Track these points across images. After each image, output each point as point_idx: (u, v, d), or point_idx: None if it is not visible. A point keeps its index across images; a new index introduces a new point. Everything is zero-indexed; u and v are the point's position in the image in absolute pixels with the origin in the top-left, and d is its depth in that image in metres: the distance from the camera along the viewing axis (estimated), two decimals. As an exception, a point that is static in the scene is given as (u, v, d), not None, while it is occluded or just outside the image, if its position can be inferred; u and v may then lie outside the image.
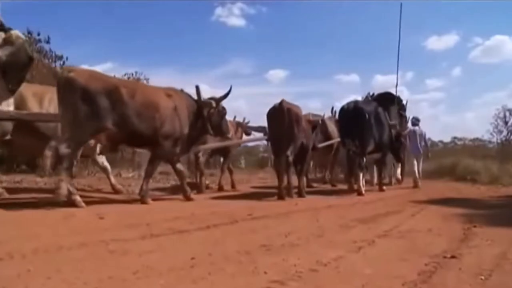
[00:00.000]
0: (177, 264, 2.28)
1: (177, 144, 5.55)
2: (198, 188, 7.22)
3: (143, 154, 8.62)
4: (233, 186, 8.35)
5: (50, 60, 11.80)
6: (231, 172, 8.60)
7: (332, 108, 9.97)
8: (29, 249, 2.49)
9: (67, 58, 11.77)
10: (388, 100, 8.44)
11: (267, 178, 12.09)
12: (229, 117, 7.33)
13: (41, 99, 5.42)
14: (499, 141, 25.36)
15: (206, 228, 3.50)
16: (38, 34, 11.53)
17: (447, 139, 31.15)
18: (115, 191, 6.53)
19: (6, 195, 5.26)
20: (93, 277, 2.01)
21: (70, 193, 4.59)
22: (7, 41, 4.64)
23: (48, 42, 11.78)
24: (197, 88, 5.82)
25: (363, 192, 7.19)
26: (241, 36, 51.28)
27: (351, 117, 7.37)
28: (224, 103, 6.22)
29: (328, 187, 9.58)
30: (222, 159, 8.69)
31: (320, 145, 7.97)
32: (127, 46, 45.49)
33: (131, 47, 44.53)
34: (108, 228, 3.39)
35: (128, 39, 46.76)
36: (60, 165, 4.53)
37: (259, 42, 52.98)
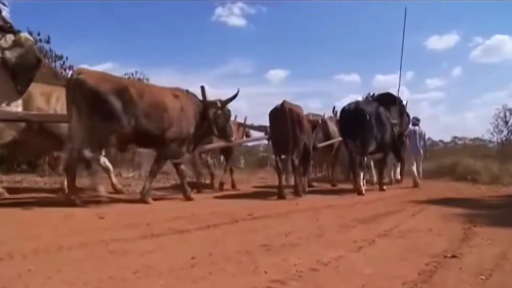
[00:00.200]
0: (178, 264, 2.28)
1: (184, 144, 5.61)
2: (211, 187, 7.66)
3: (143, 154, 8.62)
4: (233, 186, 8.35)
5: (50, 60, 11.81)
6: (231, 172, 8.62)
7: (334, 108, 10.00)
8: (30, 249, 2.48)
9: (67, 58, 11.79)
10: (388, 101, 8.48)
11: (267, 178, 12.09)
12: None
13: (49, 98, 5.50)
14: (499, 140, 25.36)
15: (206, 228, 3.50)
16: (38, 34, 11.54)
17: (447, 138, 31.16)
18: (116, 191, 6.54)
19: (7, 195, 5.27)
20: (93, 277, 2.01)
21: (71, 193, 4.61)
22: (17, 43, 4.71)
23: (48, 42, 11.81)
24: (202, 88, 5.87)
25: (364, 191, 7.20)
26: (241, 36, 51.30)
27: (352, 118, 7.39)
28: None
29: (328, 186, 9.57)
30: (222, 159, 8.72)
31: (320, 144, 7.98)
32: (127, 46, 45.51)
33: (131, 47, 44.57)
34: (108, 228, 3.38)
35: (128, 39, 46.77)
36: (88, 169, 4.74)
37: (259, 42, 52.99)
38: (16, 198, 5.20)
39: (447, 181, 11.95)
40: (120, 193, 6.40)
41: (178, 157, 5.70)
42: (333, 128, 9.05)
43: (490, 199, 7.13)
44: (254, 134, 9.32)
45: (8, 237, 2.85)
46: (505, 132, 24.95)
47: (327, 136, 8.76)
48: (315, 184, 9.66)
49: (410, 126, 10.16)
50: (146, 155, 8.72)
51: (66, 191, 4.64)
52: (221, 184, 8.04)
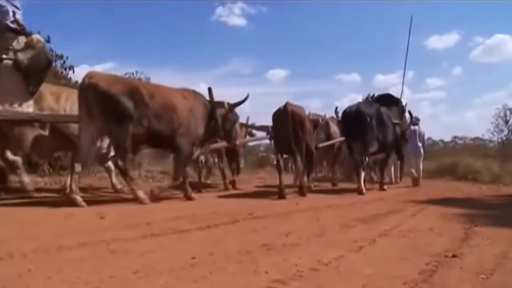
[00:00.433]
0: (178, 264, 2.28)
1: (194, 144, 5.71)
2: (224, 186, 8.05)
3: (143, 154, 8.62)
4: (234, 186, 8.36)
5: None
6: (233, 171, 8.66)
7: (336, 108, 10.08)
8: (30, 248, 2.48)
9: (67, 58, 11.76)
10: (388, 102, 8.54)
11: (267, 177, 12.09)
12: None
13: (58, 98, 5.59)
14: (499, 140, 25.36)
15: (206, 227, 3.50)
16: (38, 34, 11.52)
17: (447, 138, 31.27)
18: (116, 191, 6.54)
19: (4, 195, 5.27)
20: (94, 276, 2.01)
21: (71, 192, 4.62)
22: (29, 45, 4.82)
23: (48, 41, 11.76)
24: (210, 89, 5.92)
25: (364, 191, 7.21)
26: (241, 35, 51.45)
27: (353, 120, 7.48)
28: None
29: (328, 186, 9.57)
30: (215, 158, 8.79)
31: (321, 144, 8.02)
32: (127, 46, 45.69)
33: (131, 47, 44.75)
34: (108, 227, 3.38)
35: (128, 39, 46.95)
36: (125, 177, 5.05)
37: (259, 42, 53.18)
38: (16, 198, 5.20)
39: (447, 181, 11.95)
40: (120, 193, 6.40)
41: (190, 157, 5.83)
42: (334, 128, 9.10)
43: (491, 198, 7.13)
44: (256, 134, 9.37)
45: (9, 236, 2.85)
46: (506, 132, 24.98)
47: (328, 136, 8.80)
48: (315, 183, 9.66)
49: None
50: (146, 154, 8.74)
51: (68, 190, 4.64)
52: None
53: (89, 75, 4.88)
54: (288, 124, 6.34)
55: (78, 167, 4.81)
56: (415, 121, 10.40)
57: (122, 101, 4.77)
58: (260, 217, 4.19)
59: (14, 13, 4.81)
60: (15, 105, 4.83)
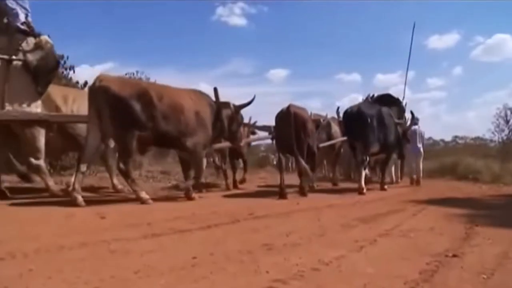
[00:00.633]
0: (179, 264, 2.28)
1: (205, 144, 5.81)
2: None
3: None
4: (235, 185, 8.37)
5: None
6: (234, 171, 8.68)
7: (338, 109, 10.12)
8: (31, 249, 2.48)
9: (67, 58, 11.77)
10: (388, 102, 8.59)
11: (268, 177, 12.08)
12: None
13: (66, 99, 5.69)
14: (500, 140, 25.32)
15: (207, 227, 3.50)
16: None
17: (448, 138, 31.23)
18: (116, 190, 6.54)
19: (8, 195, 5.28)
20: (94, 276, 2.01)
21: (73, 191, 4.67)
22: (38, 46, 4.89)
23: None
24: (215, 90, 5.95)
25: (365, 191, 7.21)
26: (242, 35, 51.48)
27: (354, 120, 7.56)
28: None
29: (328, 186, 9.57)
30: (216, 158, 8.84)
31: (322, 144, 8.07)
32: (127, 46, 45.73)
33: (132, 47, 44.80)
34: (109, 227, 3.38)
35: (128, 39, 46.99)
36: (127, 178, 5.05)
37: (260, 42, 53.20)
38: (17, 198, 5.20)
39: (448, 181, 11.94)
40: (120, 193, 6.40)
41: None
42: (335, 128, 9.18)
43: (491, 198, 7.12)
44: (258, 133, 9.41)
45: (9, 236, 2.85)
46: (506, 131, 24.93)
47: (329, 136, 8.88)
48: (317, 183, 9.66)
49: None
50: (147, 154, 8.74)
51: (70, 188, 4.67)
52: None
53: (99, 78, 4.95)
54: (290, 125, 6.44)
55: (83, 167, 4.87)
56: (415, 121, 10.42)
57: (132, 104, 4.85)
58: (260, 217, 4.19)
59: (26, 15, 4.90)
60: (24, 105, 4.91)
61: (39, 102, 5.09)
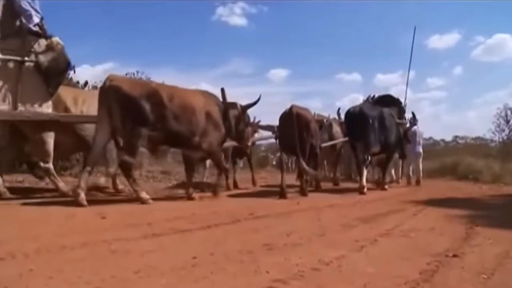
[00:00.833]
0: (179, 264, 2.28)
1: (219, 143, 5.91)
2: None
3: (144, 154, 8.63)
4: (235, 185, 8.36)
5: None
6: (234, 171, 8.69)
7: (338, 110, 10.29)
8: (31, 248, 2.49)
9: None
10: (389, 103, 8.65)
11: (268, 177, 12.07)
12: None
13: (76, 100, 5.78)
14: (501, 140, 25.28)
15: (207, 227, 3.50)
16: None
17: (448, 138, 31.16)
18: (117, 190, 6.55)
19: (8, 195, 5.28)
20: (95, 276, 2.01)
21: (78, 187, 4.72)
22: (49, 48, 4.96)
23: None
24: (223, 90, 6.01)
25: (365, 191, 7.22)
26: (242, 35, 51.43)
27: (356, 121, 7.62)
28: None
29: (329, 186, 9.56)
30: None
31: (324, 144, 8.14)
32: (127, 45, 45.66)
33: (132, 47, 44.74)
34: (109, 227, 3.38)
35: (128, 39, 46.94)
36: (128, 178, 5.05)
37: (260, 42, 53.13)
38: (18, 198, 5.21)
39: (448, 181, 11.94)
40: (121, 193, 6.40)
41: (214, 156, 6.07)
42: (336, 129, 9.35)
43: (492, 198, 7.12)
44: (262, 133, 9.44)
45: (10, 237, 2.85)
46: (507, 131, 24.89)
47: (331, 136, 9.01)
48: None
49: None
50: (146, 154, 8.74)
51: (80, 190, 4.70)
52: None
53: (110, 78, 5.00)
54: (293, 126, 6.52)
55: (90, 166, 4.94)
56: (415, 121, 10.46)
57: (142, 103, 4.89)
58: (261, 217, 4.20)
59: (42, 18, 4.98)
60: (36, 106, 4.97)
61: (50, 103, 5.16)
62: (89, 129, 5.45)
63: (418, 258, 2.55)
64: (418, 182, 9.91)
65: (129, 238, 2.94)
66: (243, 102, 6.37)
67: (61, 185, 5.59)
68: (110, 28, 48.18)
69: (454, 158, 14.43)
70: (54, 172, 5.56)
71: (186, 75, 43.28)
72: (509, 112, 24.72)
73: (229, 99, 6.13)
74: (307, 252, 2.65)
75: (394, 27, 53.12)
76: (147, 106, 4.92)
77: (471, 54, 49.92)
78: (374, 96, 9.66)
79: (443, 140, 30.58)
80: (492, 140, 26.34)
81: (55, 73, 5.03)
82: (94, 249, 2.60)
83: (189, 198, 5.67)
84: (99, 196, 5.93)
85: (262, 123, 8.86)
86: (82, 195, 4.65)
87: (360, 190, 7.23)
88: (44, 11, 5.05)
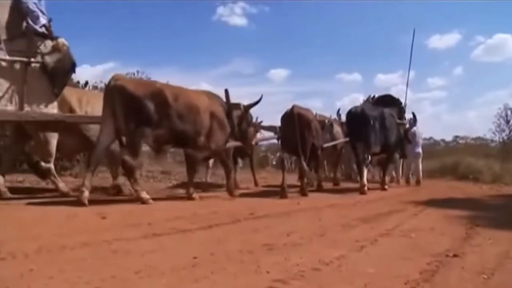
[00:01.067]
0: (179, 264, 2.28)
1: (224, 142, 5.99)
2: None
3: (144, 154, 8.64)
4: (236, 185, 8.36)
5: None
6: (235, 171, 8.69)
7: (338, 110, 10.34)
8: (32, 249, 2.49)
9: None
10: (389, 103, 8.69)
11: (269, 177, 12.06)
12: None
13: (80, 100, 5.83)
14: (501, 140, 25.26)
15: (208, 227, 3.50)
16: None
17: (449, 138, 31.11)
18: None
19: (9, 195, 5.29)
20: (95, 276, 2.01)
21: (83, 185, 4.74)
22: (55, 49, 4.99)
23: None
24: (226, 91, 6.04)
25: (366, 188, 7.24)
26: (242, 35, 51.38)
27: (357, 121, 7.68)
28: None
29: (329, 186, 9.57)
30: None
31: (326, 145, 8.18)
32: (128, 45, 45.60)
33: (132, 47, 44.67)
34: (110, 227, 3.38)
35: (129, 39, 46.91)
36: (129, 177, 5.11)
37: (260, 42, 53.08)
38: (18, 198, 5.21)
39: (449, 181, 11.95)
40: (121, 193, 6.39)
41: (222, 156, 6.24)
42: (337, 129, 9.42)
43: (492, 198, 7.13)
44: (264, 133, 9.48)
45: (10, 237, 2.85)
46: (507, 131, 24.85)
47: (332, 136, 9.10)
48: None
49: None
50: (147, 154, 8.75)
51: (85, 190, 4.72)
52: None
53: (115, 77, 5.03)
54: (295, 126, 6.57)
55: (93, 166, 4.98)
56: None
57: (146, 103, 4.91)
58: (261, 217, 4.20)
59: (50, 20, 5.02)
60: (42, 107, 5.01)
61: (55, 103, 5.19)
62: (93, 130, 5.48)
63: (419, 258, 2.55)
64: (418, 182, 9.95)
65: (129, 238, 2.95)
66: (244, 102, 6.40)
67: (61, 185, 5.61)
68: (110, 28, 48.17)
69: (455, 158, 14.42)
70: (55, 172, 5.58)
71: (187, 75, 43.28)
72: (509, 112, 24.67)
73: (232, 99, 6.16)
74: (308, 252, 2.65)
75: (394, 27, 53.12)
76: (151, 106, 4.94)
77: (471, 54, 49.93)
78: (374, 96, 9.70)
79: (443, 140, 30.56)
80: (492, 140, 26.30)
81: (60, 74, 5.07)
82: (94, 249, 2.60)
83: (190, 198, 5.67)
84: (100, 196, 5.93)
85: (263, 123, 8.91)
86: (86, 194, 4.68)
87: (360, 190, 7.25)
88: (46, 12, 5.07)
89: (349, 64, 54.54)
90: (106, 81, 5.59)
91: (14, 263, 2.23)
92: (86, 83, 11.34)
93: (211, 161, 8.55)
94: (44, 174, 5.70)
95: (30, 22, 4.82)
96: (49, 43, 4.99)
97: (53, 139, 5.29)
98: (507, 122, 24.70)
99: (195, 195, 5.76)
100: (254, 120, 8.76)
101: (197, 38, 51.97)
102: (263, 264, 2.31)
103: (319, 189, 8.05)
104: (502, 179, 10.67)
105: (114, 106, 4.86)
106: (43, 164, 5.33)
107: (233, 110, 6.07)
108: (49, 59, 4.94)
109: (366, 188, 7.30)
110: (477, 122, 46.76)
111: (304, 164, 6.57)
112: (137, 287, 1.93)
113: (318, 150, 7.47)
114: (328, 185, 9.14)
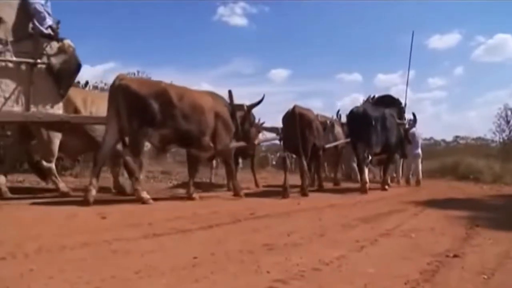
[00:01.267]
0: (180, 264, 2.28)
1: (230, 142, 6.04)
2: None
3: (144, 153, 8.64)
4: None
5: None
6: (236, 171, 8.71)
7: (338, 111, 10.32)
8: (32, 248, 2.49)
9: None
10: (389, 103, 8.71)
11: (269, 177, 12.07)
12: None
13: (85, 101, 5.88)
14: (501, 140, 25.24)
15: (208, 227, 3.50)
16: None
17: (449, 138, 31.08)
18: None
19: (9, 195, 5.30)
20: (95, 276, 2.01)
21: (90, 184, 4.78)
22: (61, 50, 5.03)
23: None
24: (230, 92, 6.10)
25: (367, 185, 7.28)
26: (243, 35, 51.38)
27: (358, 121, 7.71)
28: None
29: (329, 186, 9.57)
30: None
31: (328, 145, 8.20)
32: (128, 45, 45.58)
33: (132, 47, 44.66)
34: (110, 227, 3.38)
35: (129, 39, 46.91)
36: (131, 177, 5.17)
37: (261, 42, 53.09)
38: (18, 198, 5.21)
39: (449, 181, 11.94)
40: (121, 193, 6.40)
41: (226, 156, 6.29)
42: (338, 129, 9.50)
43: (492, 198, 7.12)
44: (266, 134, 9.52)
45: (10, 236, 2.86)
46: (507, 132, 24.83)
47: (333, 137, 9.15)
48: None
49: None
50: (147, 154, 8.74)
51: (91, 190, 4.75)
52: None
53: (119, 77, 5.06)
54: (296, 126, 6.63)
55: (99, 165, 5.01)
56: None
57: (150, 102, 4.93)
58: (261, 217, 4.20)
59: (58, 22, 5.08)
60: (48, 107, 5.04)
61: (60, 104, 5.23)
62: (99, 130, 5.52)
63: (419, 258, 2.55)
64: (418, 183, 9.95)
65: (129, 238, 2.95)
66: (244, 102, 6.43)
67: (62, 185, 5.63)
68: (110, 28, 48.17)
69: (455, 158, 14.42)
70: (56, 172, 5.60)
71: (187, 75, 43.24)
72: (509, 113, 24.63)
73: (234, 100, 6.19)
74: (308, 252, 2.65)
75: (394, 27, 53.11)
76: (155, 106, 4.96)
77: (472, 54, 49.95)
78: (374, 96, 9.72)
79: (443, 140, 30.53)
80: (492, 140, 26.26)
81: (66, 75, 5.10)
82: (94, 249, 2.60)
83: (190, 198, 5.67)
84: (100, 196, 5.93)
85: (265, 123, 8.95)
86: (93, 192, 4.72)
87: (361, 187, 7.28)
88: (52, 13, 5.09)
89: (349, 64, 54.58)
90: (106, 81, 5.63)
91: (14, 263, 2.23)
92: (87, 83, 11.34)
93: (214, 161, 8.59)
94: (44, 174, 5.72)
95: (37, 23, 4.85)
96: (55, 45, 5.02)
97: (56, 138, 5.34)
98: (507, 122, 24.66)
99: (195, 195, 5.76)
100: (256, 121, 8.81)
101: (198, 38, 52.00)
102: (263, 264, 2.31)
103: (320, 189, 8.08)
104: (503, 179, 10.67)
105: (118, 105, 4.89)
106: (44, 163, 5.37)
107: (237, 111, 6.10)
108: (55, 61, 4.97)
109: (367, 185, 7.31)
110: (477, 122, 46.81)
111: (305, 164, 6.59)
112: (137, 287, 1.93)
113: (320, 151, 7.52)
114: (328, 185, 9.16)
